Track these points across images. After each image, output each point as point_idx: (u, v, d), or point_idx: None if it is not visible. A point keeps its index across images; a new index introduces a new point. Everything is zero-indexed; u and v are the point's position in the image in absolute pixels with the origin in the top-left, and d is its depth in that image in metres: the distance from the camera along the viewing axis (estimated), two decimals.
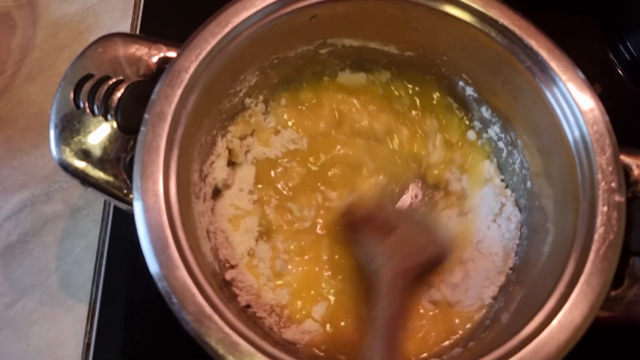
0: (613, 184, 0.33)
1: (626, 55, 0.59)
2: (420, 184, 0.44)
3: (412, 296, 0.38)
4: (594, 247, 0.32)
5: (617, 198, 0.32)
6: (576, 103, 0.35)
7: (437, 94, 0.45)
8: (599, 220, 0.32)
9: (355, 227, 0.39)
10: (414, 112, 0.46)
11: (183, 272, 0.30)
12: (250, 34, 0.36)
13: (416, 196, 0.44)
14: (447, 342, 0.38)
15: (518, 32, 0.36)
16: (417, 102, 0.46)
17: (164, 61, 0.36)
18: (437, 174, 0.44)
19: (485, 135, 0.44)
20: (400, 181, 0.44)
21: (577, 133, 0.34)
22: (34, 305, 0.43)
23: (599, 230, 0.32)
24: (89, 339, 0.42)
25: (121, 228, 0.45)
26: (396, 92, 0.46)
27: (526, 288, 0.37)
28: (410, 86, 0.46)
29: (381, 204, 0.41)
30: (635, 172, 0.35)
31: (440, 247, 0.38)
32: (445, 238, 0.39)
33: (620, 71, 0.59)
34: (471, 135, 0.45)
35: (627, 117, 0.57)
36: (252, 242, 0.40)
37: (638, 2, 0.59)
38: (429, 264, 0.38)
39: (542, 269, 0.36)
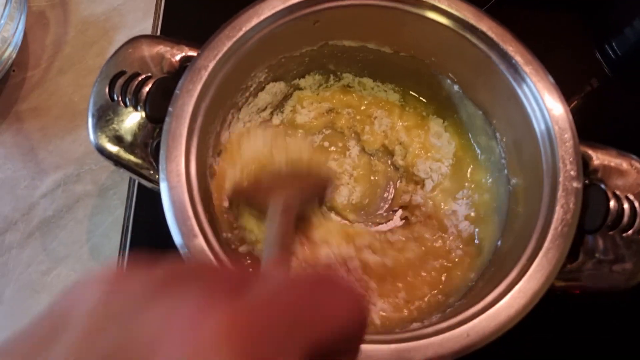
0: (572, 172, 0.38)
1: (612, 55, 0.62)
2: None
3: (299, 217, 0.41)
4: (552, 226, 0.37)
5: (575, 184, 0.37)
6: (543, 101, 0.39)
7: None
8: (558, 202, 0.37)
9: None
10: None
11: (201, 241, 0.35)
12: (260, 36, 0.41)
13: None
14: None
15: (495, 38, 0.41)
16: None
17: (186, 59, 0.41)
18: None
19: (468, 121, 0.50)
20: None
21: (543, 127, 0.39)
22: (68, 273, 0.49)
23: (558, 212, 0.37)
24: None
25: (144, 206, 0.50)
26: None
27: (498, 263, 0.42)
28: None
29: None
30: (595, 162, 0.40)
31: (320, 180, 0.44)
32: (325, 172, 0.45)
33: (606, 70, 0.62)
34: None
35: (612, 114, 0.62)
36: None
37: (619, 3, 0.62)
38: (312, 193, 0.44)
39: (511, 246, 0.41)
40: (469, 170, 0.49)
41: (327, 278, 0.20)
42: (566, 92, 0.60)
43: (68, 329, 0.16)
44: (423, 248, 0.46)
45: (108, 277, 0.18)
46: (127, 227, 0.50)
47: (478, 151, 0.49)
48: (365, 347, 0.34)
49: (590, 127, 0.59)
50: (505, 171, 0.45)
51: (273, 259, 0.32)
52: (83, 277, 0.18)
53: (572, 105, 0.61)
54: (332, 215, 0.49)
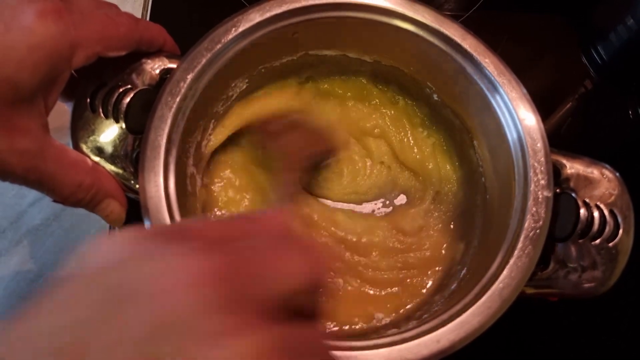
0: (542, 182, 0.38)
1: (598, 60, 0.63)
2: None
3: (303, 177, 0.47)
4: (522, 235, 0.37)
5: (546, 193, 0.38)
6: (516, 112, 0.40)
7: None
8: (529, 211, 0.38)
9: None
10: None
11: None
12: (239, 48, 0.42)
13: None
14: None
15: (469, 49, 0.42)
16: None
17: (166, 72, 0.42)
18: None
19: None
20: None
21: (515, 136, 0.40)
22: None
23: (529, 220, 0.38)
24: None
25: (128, 215, 0.51)
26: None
27: (472, 269, 0.42)
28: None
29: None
30: (568, 171, 0.40)
31: (327, 145, 0.48)
32: (334, 138, 0.49)
33: (593, 75, 0.63)
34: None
35: (598, 118, 0.63)
36: None
37: (603, 9, 0.63)
38: (318, 156, 0.47)
39: (485, 253, 0.41)
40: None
41: (287, 236, 0.24)
42: (554, 95, 0.62)
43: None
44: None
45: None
46: None
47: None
48: (337, 354, 0.35)
49: (576, 130, 0.61)
50: (483, 178, 0.46)
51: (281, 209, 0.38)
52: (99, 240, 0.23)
53: (560, 109, 0.62)
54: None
